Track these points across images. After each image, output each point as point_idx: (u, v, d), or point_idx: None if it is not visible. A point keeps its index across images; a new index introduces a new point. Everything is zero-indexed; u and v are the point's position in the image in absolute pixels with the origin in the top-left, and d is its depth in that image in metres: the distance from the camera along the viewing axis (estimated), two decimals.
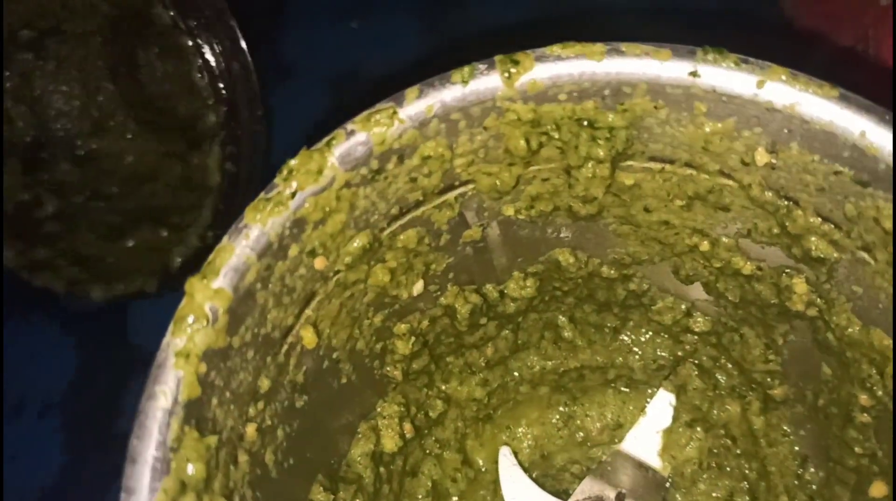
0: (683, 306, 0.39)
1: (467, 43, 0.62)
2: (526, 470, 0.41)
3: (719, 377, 0.40)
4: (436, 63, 0.65)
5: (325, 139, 0.29)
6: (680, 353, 0.41)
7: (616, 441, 0.42)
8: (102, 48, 0.58)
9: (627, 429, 0.42)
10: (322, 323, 0.31)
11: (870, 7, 0.49)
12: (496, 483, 0.41)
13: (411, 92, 0.29)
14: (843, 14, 0.53)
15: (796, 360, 0.36)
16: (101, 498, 0.48)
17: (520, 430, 0.43)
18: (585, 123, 0.30)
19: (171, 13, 0.47)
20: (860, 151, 0.27)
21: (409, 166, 0.30)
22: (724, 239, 0.34)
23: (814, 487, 0.38)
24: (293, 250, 0.28)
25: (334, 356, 0.33)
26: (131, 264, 0.56)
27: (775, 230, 0.32)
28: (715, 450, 0.41)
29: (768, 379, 0.38)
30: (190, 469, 0.25)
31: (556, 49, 0.29)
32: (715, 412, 0.40)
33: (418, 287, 0.35)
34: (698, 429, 0.40)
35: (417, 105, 0.29)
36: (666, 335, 0.41)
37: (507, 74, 0.29)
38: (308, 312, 0.30)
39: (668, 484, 0.41)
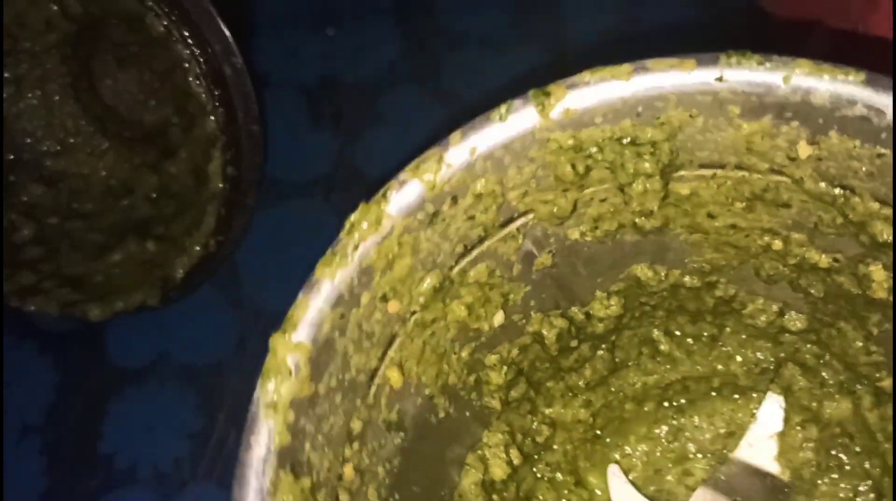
0: (775, 307, 0.38)
1: (442, 50, 0.63)
2: (639, 488, 0.41)
3: (825, 374, 0.39)
4: (412, 71, 0.66)
5: (381, 191, 0.31)
6: (781, 354, 0.40)
7: (729, 449, 0.42)
8: (61, 65, 0.58)
9: (739, 437, 0.41)
10: (408, 363, 0.33)
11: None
12: None
13: (454, 136, 0.31)
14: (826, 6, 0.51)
15: None
16: None
17: (629, 448, 0.42)
18: (626, 141, 0.31)
19: (165, 23, 0.48)
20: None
21: (464, 206, 0.31)
22: (795, 235, 0.34)
23: None
24: (365, 298, 0.30)
25: (427, 392, 0.35)
26: (124, 279, 0.55)
27: (839, 221, 0.31)
28: (832, 450, 0.39)
29: (875, 372, 0.37)
30: None
31: (585, 76, 0.30)
32: (826, 410, 0.39)
33: (499, 318, 0.36)
34: (812, 429, 0.40)
35: (461, 148, 0.31)
36: (764, 338, 0.40)
37: (541, 107, 0.30)
38: (391, 354, 0.32)
39: (787, 490, 0.40)
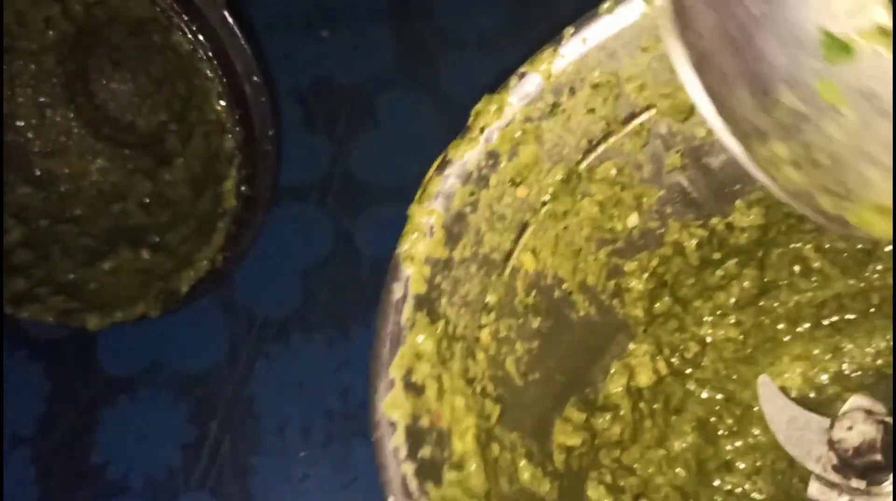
0: None
1: (438, 52, 0.63)
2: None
3: None
4: (407, 73, 0.65)
5: (503, 84, 0.34)
6: None
7: (888, 366, 0.41)
8: (57, 65, 0.58)
9: None
10: (542, 252, 0.35)
11: None
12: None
13: (567, 31, 0.34)
14: None
15: None
16: None
17: (784, 368, 0.42)
18: None
19: (192, 40, 0.47)
20: None
21: (583, 97, 0.34)
22: None
23: None
24: (494, 180, 0.33)
25: (564, 287, 0.37)
26: (119, 288, 0.55)
27: None
28: None
29: None
30: (420, 339, 0.30)
31: None
32: None
33: (633, 220, 0.38)
34: None
35: (574, 40, 0.33)
36: None
37: None
38: (525, 240, 0.35)
39: None
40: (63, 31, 0.56)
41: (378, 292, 0.55)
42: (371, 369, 0.30)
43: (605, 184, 0.36)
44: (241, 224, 0.51)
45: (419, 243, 0.31)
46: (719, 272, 0.40)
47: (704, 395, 0.41)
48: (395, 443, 0.28)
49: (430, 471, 0.29)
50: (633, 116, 0.35)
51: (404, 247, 0.31)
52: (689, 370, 0.41)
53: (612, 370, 0.39)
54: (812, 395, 0.42)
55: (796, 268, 0.40)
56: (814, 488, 0.35)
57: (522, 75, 0.33)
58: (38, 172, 0.59)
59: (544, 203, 0.35)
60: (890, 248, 0.39)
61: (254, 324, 0.56)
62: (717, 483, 0.41)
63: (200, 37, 0.47)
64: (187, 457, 0.53)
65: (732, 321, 0.41)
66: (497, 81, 0.62)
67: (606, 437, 0.38)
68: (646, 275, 0.38)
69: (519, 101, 0.33)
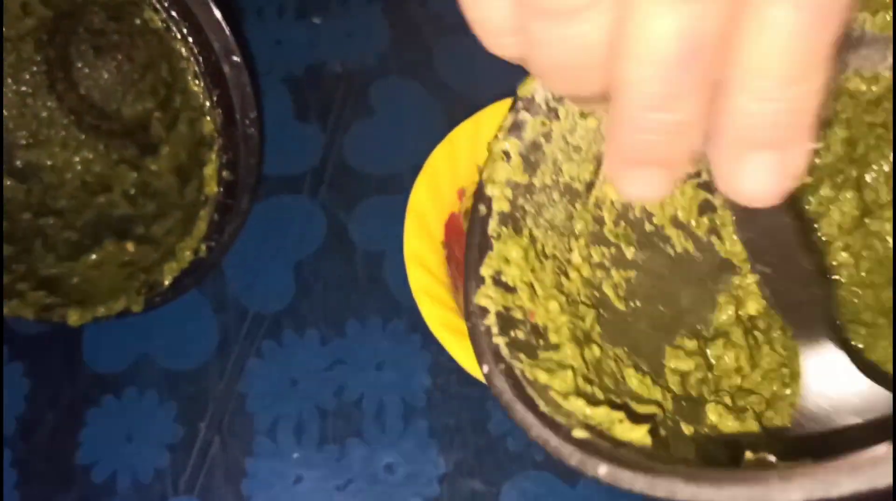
0: None
1: (434, 38, 0.62)
2: None
3: None
4: (402, 60, 0.64)
5: None
6: None
7: None
8: (36, 52, 0.56)
9: None
10: None
11: None
12: None
13: None
14: None
15: None
16: None
17: None
18: None
19: (164, 17, 0.45)
20: None
21: None
22: None
23: None
24: (562, 112, 0.34)
25: (654, 220, 0.38)
26: (103, 282, 0.53)
27: None
28: None
29: None
30: (507, 247, 0.31)
31: None
32: None
33: None
34: None
35: None
36: None
37: None
38: (604, 171, 0.35)
39: None
40: (40, 16, 0.54)
41: (373, 286, 0.54)
42: (465, 273, 0.31)
43: None
44: (225, 212, 0.49)
45: (499, 168, 0.33)
46: (815, 200, 0.40)
47: None
48: (486, 322, 0.29)
49: (523, 347, 0.30)
50: None
51: (486, 174, 0.33)
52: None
53: (720, 302, 0.39)
54: None
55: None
56: None
57: None
58: (19, 164, 0.58)
59: None
60: None
61: (244, 320, 0.54)
62: None
63: (173, 13, 0.46)
64: (175, 458, 0.51)
65: (840, 245, 0.40)
66: (494, 67, 0.60)
67: (723, 366, 0.38)
68: None
69: None
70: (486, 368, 0.29)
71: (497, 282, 0.31)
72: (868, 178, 0.40)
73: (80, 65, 0.58)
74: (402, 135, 0.58)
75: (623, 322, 0.35)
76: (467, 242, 0.32)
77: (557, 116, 0.34)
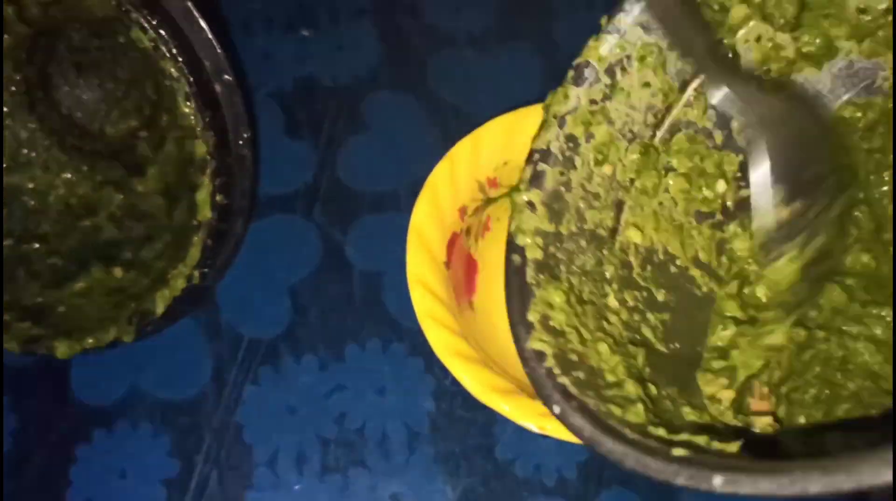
0: None
1: (427, 52, 0.61)
2: None
3: None
4: (394, 73, 0.63)
5: (566, 76, 0.38)
6: None
7: None
8: (14, 71, 0.54)
9: None
10: (645, 228, 0.38)
11: None
12: None
13: (603, 20, 0.38)
14: None
15: None
16: None
17: None
18: None
19: (152, 36, 0.44)
20: None
21: (635, 73, 0.37)
22: None
23: None
24: (578, 161, 0.36)
25: (678, 262, 0.39)
26: (92, 310, 0.51)
27: None
28: None
29: None
30: (549, 292, 0.33)
31: None
32: None
33: (721, 187, 0.40)
34: None
35: (610, 28, 0.37)
36: None
37: None
38: (625, 216, 0.38)
39: None
40: (18, 33, 0.52)
41: (372, 308, 0.52)
42: (511, 322, 0.32)
43: (683, 156, 0.39)
44: (219, 237, 0.48)
45: (526, 219, 0.34)
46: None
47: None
48: (547, 365, 0.30)
49: (587, 385, 0.30)
50: (686, 83, 0.38)
51: (514, 225, 0.34)
52: (821, 334, 0.39)
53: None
54: None
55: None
56: None
57: (577, 65, 0.37)
58: None
59: (632, 180, 0.38)
60: None
61: (239, 347, 0.52)
62: None
63: (162, 32, 0.44)
64: (172, 494, 0.49)
65: (865, 259, 0.40)
66: (490, 80, 0.59)
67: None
68: None
69: (580, 86, 0.37)
70: (557, 408, 0.29)
71: (546, 327, 0.31)
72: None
73: (61, 84, 0.56)
74: (397, 151, 0.57)
75: (667, 366, 0.35)
76: (507, 292, 0.33)
77: (574, 166, 0.36)
